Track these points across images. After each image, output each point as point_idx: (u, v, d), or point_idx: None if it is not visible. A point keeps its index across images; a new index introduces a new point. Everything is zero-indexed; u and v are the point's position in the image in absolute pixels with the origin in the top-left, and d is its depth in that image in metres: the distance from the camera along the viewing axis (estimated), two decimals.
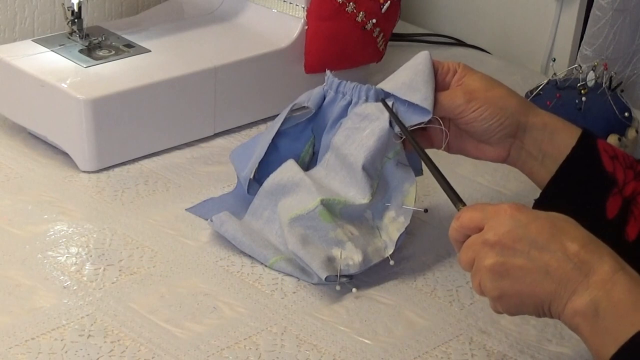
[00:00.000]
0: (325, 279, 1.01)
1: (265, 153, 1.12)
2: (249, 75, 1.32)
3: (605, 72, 1.32)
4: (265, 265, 1.06)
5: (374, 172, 1.07)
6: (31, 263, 1.04)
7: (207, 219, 1.11)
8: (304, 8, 1.35)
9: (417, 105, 1.05)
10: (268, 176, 1.11)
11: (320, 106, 1.11)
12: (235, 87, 1.32)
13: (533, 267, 0.83)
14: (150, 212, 1.14)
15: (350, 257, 1.04)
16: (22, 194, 1.16)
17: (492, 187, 1.25)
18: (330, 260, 1.03)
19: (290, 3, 1.36)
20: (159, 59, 1.29)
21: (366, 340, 0.97)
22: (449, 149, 1.09)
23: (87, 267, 1.04)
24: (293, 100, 1.13)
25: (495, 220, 0.86)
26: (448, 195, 0.96)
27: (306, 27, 1.35)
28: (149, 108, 1.24)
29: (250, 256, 1.07)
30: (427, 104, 1.04)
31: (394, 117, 1.06)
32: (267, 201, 1.10)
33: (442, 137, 1.07)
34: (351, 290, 1.03)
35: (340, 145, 1.08)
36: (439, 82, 1.07)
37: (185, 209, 1.15)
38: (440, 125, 1.05)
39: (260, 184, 1.12)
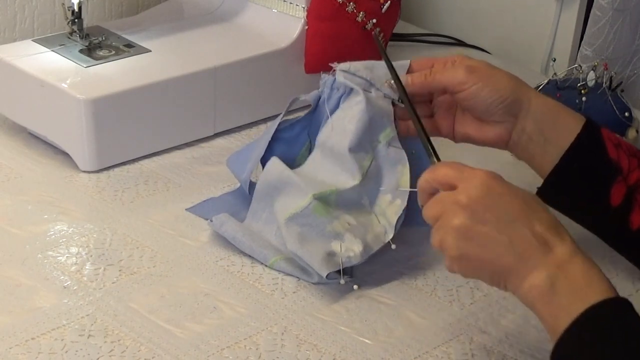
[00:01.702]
0: (327, 276, 1.01)
1: (263, 158, 1.12)
2: (249, 75, 1.32)
3: (605, 72, 1.32)
4: (266, 265, 1.06)
5: (363, 154, 1.07)
6: (31, 263, 1.04)
7: (207, 219, 1.11)
8: (304, 8, 1.35)
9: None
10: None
11: (316, 107, 1.11)
12: (235, 87, 1.32)
13: (498, 237, 0.85)
14: (150, 212, 1.14)
15: (351, 248, 1.03)
16: (22, 194, 1.16)
17: None
18: (330, 256, 1.03)
19: (290, 3, 1.36)
20: (159, 59, 1.29)
21: (366, 340, 0.97)
22: (454, 137, 1.09)
23: (87, 267, 1.04)
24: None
25: (470, 182, 0.87)
26: (425, 147, 0.98)
27: (306, 27, 1.35)
28: (149, 108, 1.24)
29: (250, 256, 1.07)
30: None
31: (398, 85, 1.06)
32: (264, 203, 1.10)
33: (448, 123, 1.08)
34: (353, 287, 1.03)
35: (325, 140, 1.08)
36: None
37: (186, 209, 1.15)
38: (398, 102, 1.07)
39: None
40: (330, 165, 1.08)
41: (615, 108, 1.30)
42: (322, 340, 0.96)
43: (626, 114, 1.30)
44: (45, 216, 1.12)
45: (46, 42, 1.30)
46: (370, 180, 1.07)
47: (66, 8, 1.28)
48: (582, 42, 1.41)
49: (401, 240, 1.12)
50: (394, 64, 1.08)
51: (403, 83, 1.06)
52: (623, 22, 1.38)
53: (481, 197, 0.86)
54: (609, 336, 0.79)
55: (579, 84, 1.32)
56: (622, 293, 1.04)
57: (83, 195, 1.17)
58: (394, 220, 1.06)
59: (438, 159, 0.96)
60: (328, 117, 1.09)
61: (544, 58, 1.57)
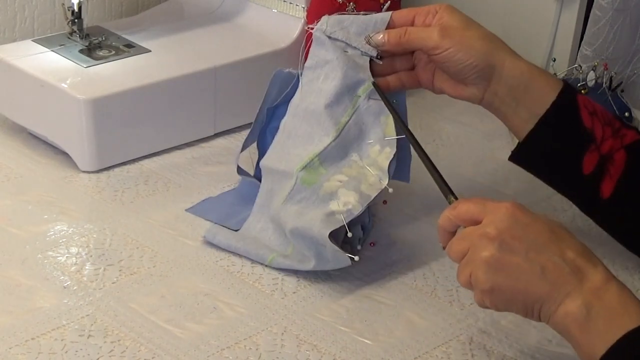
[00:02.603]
0: (334, 261, 1.01)
1: (261, 148, 1.14)
2: (249, 75, 1.32)
3: (605, 72, 1.32)
4: (265, 265, 1.06)
5: (341, 110, 1.08)
6: (31, 263, 1.04)
7: (207, 219, 1.11)
8: (304, 8, 1.35)
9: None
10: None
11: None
12: (235, 87, 1.32)
13: (529, 266, 0.84)
14: (150, 212, 1.14)
15: (347, 200, 1.03)
16: (22, 194, 1.16)
17: (492, 187, 1.25)
18: (329, 216, 1.02)
19: (290, 3, 1.36)
20: (159, 59, 1.29)
21: (366, 340, 0.97)
22: (433, 88, 1.11)
23: (87, 267, 1.04)
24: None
25: (496, 215, 0.87)
26: (440, 188, 0.97)
27: (306, 27, 1.35)
28: (149, 108, 1.24)
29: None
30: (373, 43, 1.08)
31: (393, 113, 1.07)
32: (259, 215, 1.10)
33: (428, 77, 1.10)
34: (354, 259, 1.02)
35: (298, 103, 1.09)
36: (420, 25, 1.08)
37: (185, 210, 1.15)
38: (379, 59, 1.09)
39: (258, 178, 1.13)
40: (304, 128, 1.08)
41: (615, 108, 1.30)
42: (322, 340, 0.96)
43: (626, 114, 1.30)
44: (45, 216, 1.12)
45: (46, 42, 1.30)
46: (354, 134, 1.08)
47: (66, 8, 1.28)
48: (582, 42, 1.41)
49: (401, 239, 1.12)
50: (374, 15, 1.10)
51: (379, 41, 1.08)
52: (623, 22, 1.37)
53: (509, 228, 0.86)
54: None
55: (579, 84, 1.32)
56: None
57: (83, 195, 1.17)
58: (385, 165, 1.06)
59: (456, 197, 0.96)
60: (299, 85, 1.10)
61: (544, 58, 1.56)
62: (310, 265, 1.03)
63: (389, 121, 1.07)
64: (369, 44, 1.09)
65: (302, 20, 1.35)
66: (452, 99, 1.11)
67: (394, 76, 1.11)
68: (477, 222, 0.88)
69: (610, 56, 1.38)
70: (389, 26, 1.09)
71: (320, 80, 1.08)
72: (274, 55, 1.34)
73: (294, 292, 1.03)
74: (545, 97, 1.04)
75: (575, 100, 1.04)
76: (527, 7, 1.58)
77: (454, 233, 0.91)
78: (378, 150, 1.07)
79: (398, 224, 1.12)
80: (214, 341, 0.95)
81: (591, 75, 1.32)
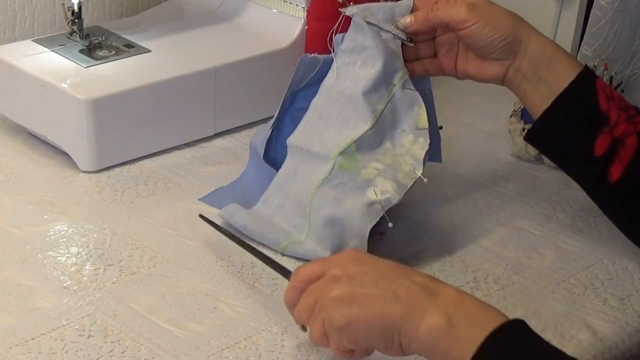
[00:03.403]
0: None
1: (281, 132, 1.14)
2: (249, 75, 1.32)
3: (605, 72, 1.32)
4: (265, 265, 1.06)
5: (377, 98, 1.08)
6: (31, 263, 1.04)
7: (219, 208, 1.12)
8: (304, 8, 1.35)
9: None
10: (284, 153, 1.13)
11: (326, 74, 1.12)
12: (235, 87, 1.32)
13: (381, 294, 0.84)
14: (150, 212, 1.14)
15: (385, 189, 1.05)
16: (22, 194, 1.16)
17: (492, 187, 1.25)
18: (369, 207, 1.04)
19: (290, 3, 1.36)
20: (159, 59, 1.29)
21: None
22: (456, 75, 1.11)
23: (87, 267, 1.04)
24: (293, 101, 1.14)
25: (338, 259, 0.89)
26: (277, 271, 0.98)
27: (306, 27, 1.35)
28: (149, 108, 1.24)
29: (250, 256, 1.07)
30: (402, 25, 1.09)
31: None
32: (279, 190, 1.11)
33: (451, 62, 1.10)
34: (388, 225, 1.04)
35: (332, 85, 1.10)
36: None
37: (198, 199, 1.16)
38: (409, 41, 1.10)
39: (276, 162, 1.14)
40: (338, 111, 1.09)
41: None
42: None
43: None
44: (45, 216, 1.12)
45: (46, 42, 1.30)
46: (388, 123, 1.09)
47: (66, 8, 1.28)
48: (582, 42, 1.41)
49: (401, 239, 1.12)
50: (398, 2, 1.10)
51: (407, 23, 1.09)
52: (623, 22, 1.37)
53: (354, 265, 0.87)
54: (515, 355, 0.80)
55: None
56: (622, 293, 1.05)
57: (83, 196, 1.17)
58: (421, 156, 1.07)
59: (289, 272, 0.95)
60: (334, 66, 1.10)
61: None
62: (325, 254, 1.04)
63: (422, 112, 1.08)
64: (397, 28, 1.10)
65: (302, 20, 1.35)
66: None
67: (418, 63, 1.12)
68: (321, 276, 0.88)
69: (610, 56, 1.38)
70: (412, 11, 1.10)
71: (357, 65, 1.09)
72: (274, 55, 1.34)
73: None
74: (565, 75, 1.05)
75: (593, 82, 1.05)
76: (527, 7, 1.58)
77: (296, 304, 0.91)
78: (412, 140, 1.08)
79: (398, 224, 1.12)
80: (214, 341, 0.95)
81: None
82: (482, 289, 1.05)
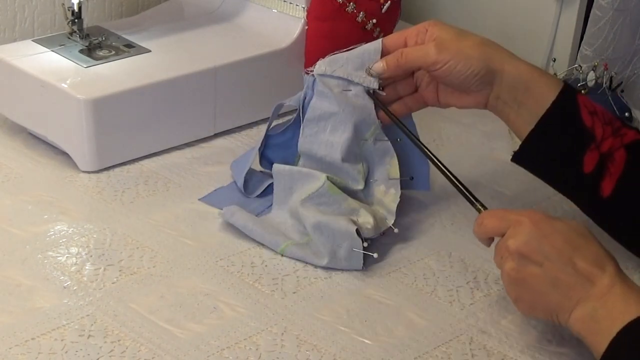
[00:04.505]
0: (348, 261, 1.05)
1: (263, 166, 1.17)
2: (249, 75, 1.32)
3: (605, 72, 1.32)
4: (265, 265, 1.06)
5: (355, 158, 1.11)
6: (31, 263, 1.04)
7: (219, 208, 1.12)
8: (304, 8, 1.35)
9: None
10: (261, 188, 1.16)
11: (302, 107, 1.13)
12: (235, 87, 1.32)
13: (544, 277, 0.91)
14: (150, 212, 1.14)
15: (367, 221, 1.07)
16: (22, 194, 1.16)
17: (492, 187, 1.25)
18: (354, 221, 1.06)
19: (290, 3, 1.36)
20: (159, 59, 1.29)
21: (366, 340, 0.97)
22: (439, 104, 1.13)
23: (87, 267, 1.04)
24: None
25: (516, 229, 0.94)
26: (466, 199, 1.03)
27: (306, 27, 1.35)
28: (149, 108, 1.24)
29: (250, 256, 1.07)
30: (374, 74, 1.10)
31: (397, 122, 1.11)
32: (278, 211, 1.13)
33: (433, 95, 1.12)
34: (373, 256, 1.06)
35: (309, 149, 1.12)
36: (413, 46, 1.10)
37: (198, 199, 1.16)
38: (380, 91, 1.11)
39: (254, 194, 1.16)
40: (327, 174, 1.11)
41: (615, 108, 1.30)
42: (322, 341, 0.96)
43: (626, 114, 1.30)
44: (45, 216, 1.12)
45: (46, 42, 1.30)
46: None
47: (66, 8, 1.28)
48: (582, 42, 1.41)
49: (402, 240, 1.12)
50: (366, 46, 1.11)
51: (380, 69, 1.10)
52: (623, 22, 1.38)
53: (526, 242, 0.92)
54: None
55: (579, 84, 1.32)
56: None
57: (83, 196, 1.17)
58: (393, 207, 1.11)
59: (483, 207, 1.02)
60: (301, 121, 1.12)
61: (544, 58, 1.57)
62: (323, 261, 1.05)
63: (394, 162, 1.12)
64: (371, 75, 1.10)
65: (302, 20, 1.35)
66: None
67: (398, 103, 1.14)
68: (503, 234, 0.95)
69: (610, 56, 1.38)
70: (383, 53, 1.11)
71: (327, 132, 1.11)
72: (274, 55, 1.34)
73: (294, 292, 1.03)
74: (546, 97, 1.05)
75: (575, 100, 1.05)
76: (527, 7, 1.58)
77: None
78: (383, 191, 1.12)
79: (398, 225, 1.12)
80: (214, 341, 0.95)
81: (591, 75, 1.32)
82: (482, 289, 1.05)
